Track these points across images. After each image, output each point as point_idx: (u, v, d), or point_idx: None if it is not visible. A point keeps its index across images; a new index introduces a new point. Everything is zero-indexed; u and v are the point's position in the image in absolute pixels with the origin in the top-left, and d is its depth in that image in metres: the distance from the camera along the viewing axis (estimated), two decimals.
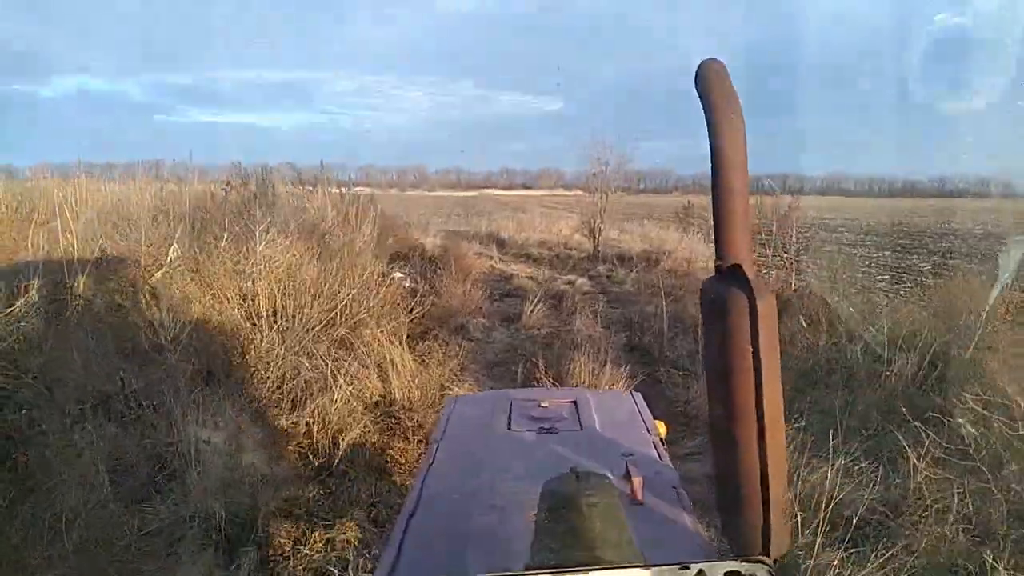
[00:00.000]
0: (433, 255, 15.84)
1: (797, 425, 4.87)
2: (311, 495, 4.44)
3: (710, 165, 1.11)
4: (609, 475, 1.74)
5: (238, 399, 5.12)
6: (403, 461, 5.11)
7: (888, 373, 6.20)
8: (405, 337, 7.39)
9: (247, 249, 7.51)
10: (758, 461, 1.08)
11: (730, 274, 1.10)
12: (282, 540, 3.89)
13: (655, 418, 2.70)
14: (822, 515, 3.78)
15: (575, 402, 2.78)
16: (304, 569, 3.77)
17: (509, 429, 2.53)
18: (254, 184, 8.56)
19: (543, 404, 2.77)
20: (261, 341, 6.12)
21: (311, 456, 4.76)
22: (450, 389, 6.50)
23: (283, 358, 6.03)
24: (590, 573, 1.02)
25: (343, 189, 15.32)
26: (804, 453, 4.68)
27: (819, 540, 3.75)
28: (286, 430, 4.98)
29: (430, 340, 8.12)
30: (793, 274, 12.19)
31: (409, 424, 5.62)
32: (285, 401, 5.36)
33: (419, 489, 2.04)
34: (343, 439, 4.85)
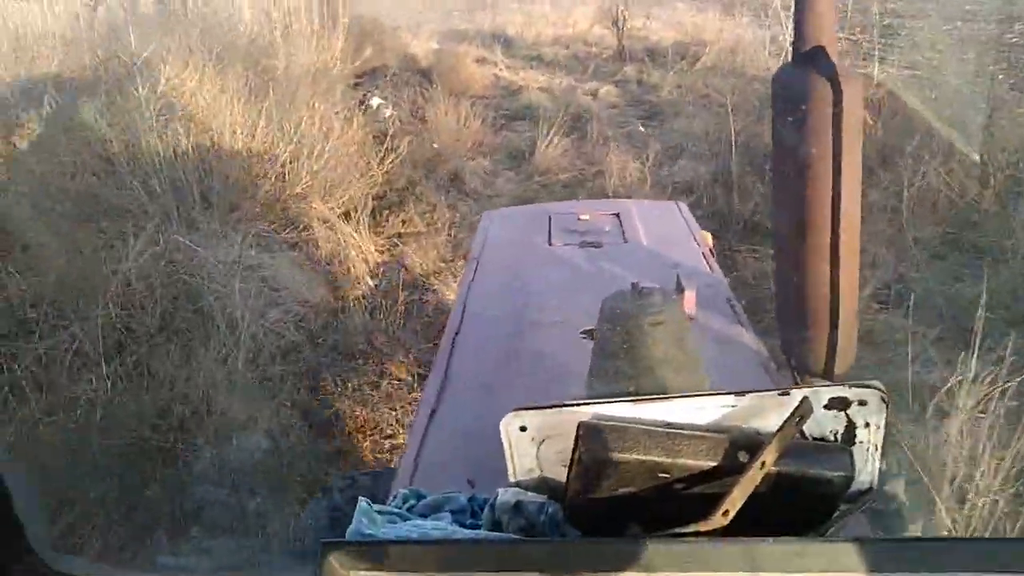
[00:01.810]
0: (425, 67, 13.02)
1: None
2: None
3: None
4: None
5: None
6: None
7: None
8: (370, 209, 5.16)
9: (130, 96, 5.12)
10: (829, 272, 0.98)
11: (810, 57, 0.96)
12: None
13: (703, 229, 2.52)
14: None
15: (618, 215, 2.56)
16: None
17: (550, 244, 2.37)
18: None
19: (584, 217, 2.57)
20: (139, 252, 3.96)
21: (172, 462, 2.81)
22: (431, 288, 4.42)
23: (165, 277, 3.91)
24: (676, 400, 0.87)
25: None
26: None
27: None
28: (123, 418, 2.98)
29: (410, 204, 5.87)
30: (876, 65, 9.43)
31: (371, 399, 3.56)
32: (156, 357, 3.32)
33: (462, 308, 1.94)
34: (232, 443, 2.85)
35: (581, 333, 1.52)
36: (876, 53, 9.76)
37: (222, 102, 5.53)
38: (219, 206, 4.92)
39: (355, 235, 4.50)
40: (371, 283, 4.20)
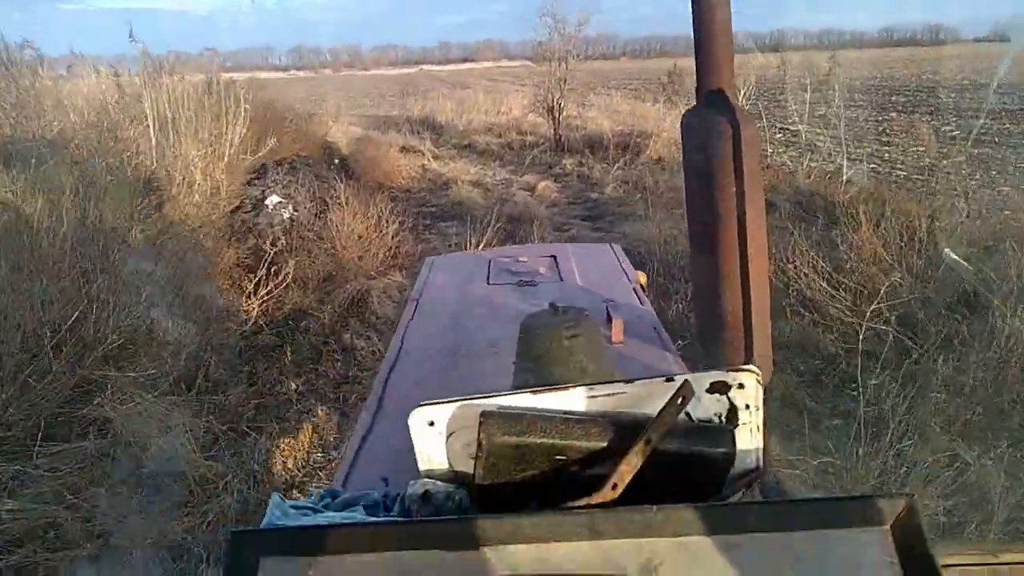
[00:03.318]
0: (344, 156, 11.59)
1: None
2: None
3: None
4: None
5: None
6: None
7: None
8: (212, 369, 3.49)
9: None
10: (740, 289, 1.04)
11: (712, 101, 1.05)
12: None
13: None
14: None
15: (554, 256, 2.71)
16: None
17: (488, 284, 2.44)
18: None
19: (522, 259, 2.69)
20: None
21: None
22: None
23: None
24: (572, 389, 0.92)
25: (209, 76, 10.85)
26: None
27: None
28: None
29: (286, 350, 4.23)
30: (844, 160, 8.43)
31: None
32: None
33: (399, 342, 1.97)
34: None
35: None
36: (843, 147, 8.81)
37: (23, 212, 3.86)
38: None
39: (173, 429, 2.83)
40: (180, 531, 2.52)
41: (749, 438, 0.91)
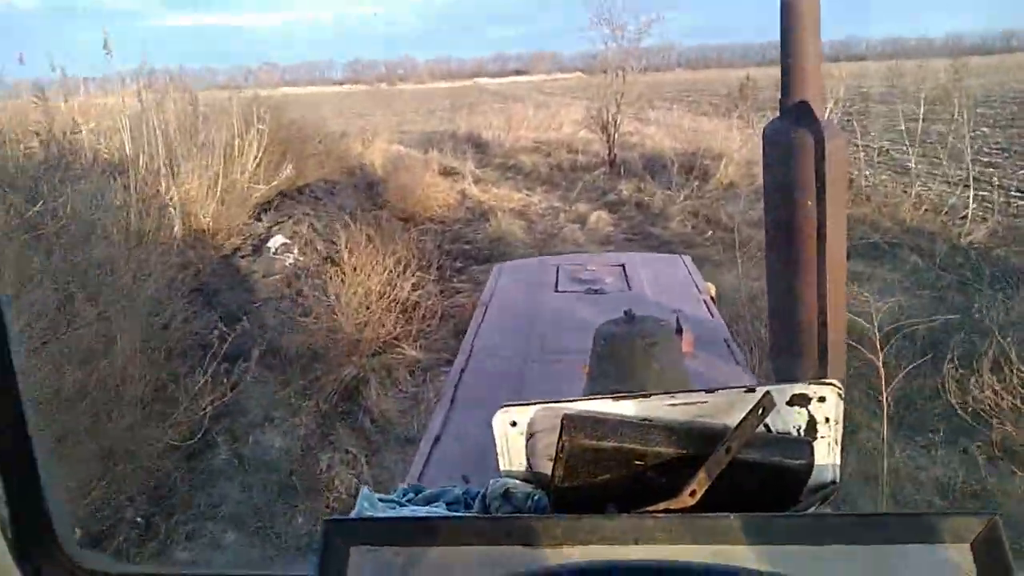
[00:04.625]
0: (376, 180, 10.39)
1: None
2: None
3: None
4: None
5: None
6: None
7: None
8: None
9: None
10: (816, 300, 1.03)
11: (796, 112, 1.00)
12: None
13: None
14: None
15: (623, 265, 2.66)
16: None
17: (556, 291, 2.44)
18: None
19: (590, 268, 2.66)
20: None
21: None
22: None
23: None
24: (652, 398, 0.91)
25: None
26: None
27: None
28: None
29: (225, 495, 2.92)
30: (971, 191, 6.74)
31: None
32: None
33: (469, 346, 2.02)
34: None
35: (584, 366, 1.49)
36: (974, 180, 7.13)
37: None
38: None
39: None
40: None
41: (827, 452, 0.89)
